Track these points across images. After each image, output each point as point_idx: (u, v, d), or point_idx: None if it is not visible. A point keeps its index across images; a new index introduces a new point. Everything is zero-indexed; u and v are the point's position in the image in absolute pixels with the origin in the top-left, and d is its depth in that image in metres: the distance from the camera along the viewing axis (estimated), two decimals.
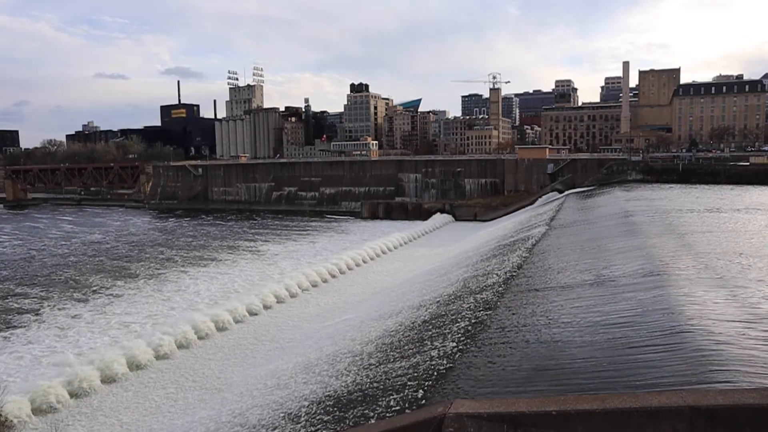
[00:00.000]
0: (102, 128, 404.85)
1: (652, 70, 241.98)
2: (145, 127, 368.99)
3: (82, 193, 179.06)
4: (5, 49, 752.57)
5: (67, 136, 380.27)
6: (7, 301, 45.95)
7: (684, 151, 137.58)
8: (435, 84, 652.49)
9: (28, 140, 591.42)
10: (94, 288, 49.37)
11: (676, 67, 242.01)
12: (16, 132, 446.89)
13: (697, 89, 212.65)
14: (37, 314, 40.99)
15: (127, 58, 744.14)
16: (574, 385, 12.57)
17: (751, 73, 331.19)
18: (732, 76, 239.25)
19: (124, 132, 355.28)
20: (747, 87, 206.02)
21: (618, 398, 8.68)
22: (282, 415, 18.85)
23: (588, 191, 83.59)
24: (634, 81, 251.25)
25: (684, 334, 14.07)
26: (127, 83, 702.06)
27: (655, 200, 56.97)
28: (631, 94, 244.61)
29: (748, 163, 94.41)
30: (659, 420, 7.90)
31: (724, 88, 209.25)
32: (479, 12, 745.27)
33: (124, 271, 57.41)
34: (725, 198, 58.59)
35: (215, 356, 30.86)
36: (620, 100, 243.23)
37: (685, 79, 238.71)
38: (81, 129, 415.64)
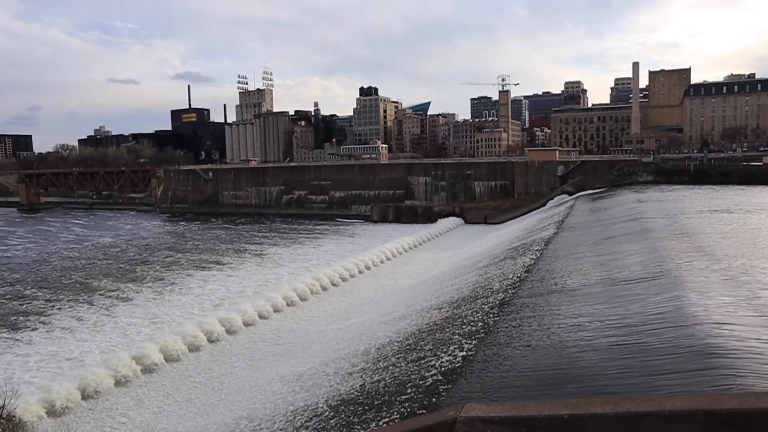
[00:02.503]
0: (113, 132, 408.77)
1: (662, 71, 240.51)
2: (156, 131, 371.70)
3: (94, 197, 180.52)
4: (19, 54, 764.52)
5: (80, 141, 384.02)
6: (18, 303, 46.41)
7: (695, 151, 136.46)
8: (444, 86, 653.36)
9: (41, 144, 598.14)
10: (102, 291, 49.57)
11: (687, 66, 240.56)
12: (30, 137, 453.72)
13: (709, 89, 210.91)
14: (45, 316, 41.37)
15: (138, 63, 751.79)
16: (583, 388, 12.47)
17: (764, 72, 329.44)
18: (744, 75, 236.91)
19: (136, 136, 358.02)
20: (759, 86, 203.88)
21: (630, 401, 8.57)
22: (292, 417, 18.86)
23: (599, 193, 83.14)
24: (644, 81, 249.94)
25: (695, 337, 13.92)
26: (138, 88, 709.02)
27: (666, 202, 56.55)
28: (642, 95, 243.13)
29: (761, 163, 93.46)
30: (673, 424, 7.79)
31: (736, 87, 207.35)
32: (487, 13, 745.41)
33: (133, 275, 57.69)
34: (738, 199, 58.03)
35: (226, 359, 30.92)
36: (630, 101, 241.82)
37: (696, 78, 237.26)
38: (93, 133, 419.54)
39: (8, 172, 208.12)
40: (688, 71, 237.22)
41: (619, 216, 48.41)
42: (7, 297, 48.79)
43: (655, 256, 26.27)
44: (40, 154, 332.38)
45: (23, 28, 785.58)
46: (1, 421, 15.70)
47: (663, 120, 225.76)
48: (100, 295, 48.06)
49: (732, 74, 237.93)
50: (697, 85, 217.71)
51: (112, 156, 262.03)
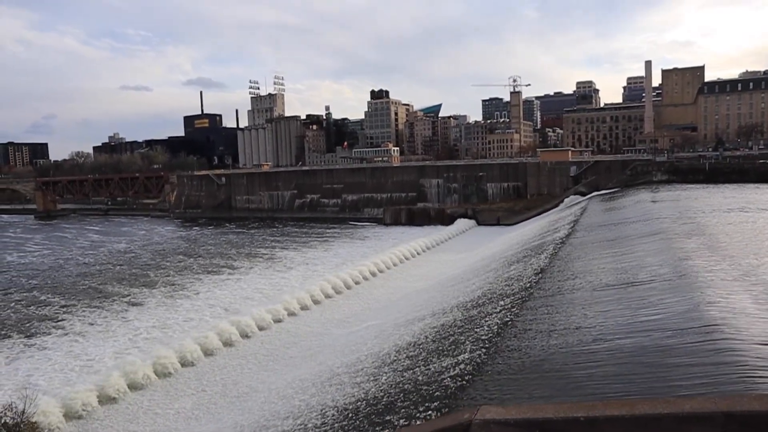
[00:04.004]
0: (127, 139, 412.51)
1: (675, 69, 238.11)
2: (169, 137, 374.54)
3: (109, 203, 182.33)
4: (35, 63, 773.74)
5: (94, 148, 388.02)
6: (33, 308, 46.97)
7: (710, 150, 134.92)
8: (455, 88, 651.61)
9: (57, 152, 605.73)
10: (115, 296, 49.80)
11: (700, 64, 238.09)
12: (46, 145, 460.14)
13: (723, 86, 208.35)
14: (59, 321, 41.88)
15: (151, 70, 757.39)
16: (600, 389, 12.37)
17: None
18: (759, 72, 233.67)
19: (149, 143, 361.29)
20: None
21: (648, 404, 8.50)
22: (307, 422, 18.88)
23: (612, 193, 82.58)
24: (657, 80, 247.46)
25: (714, 338, 13.76)
26: (150, 95, 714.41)
27: (681, 201, 56.01)
28: (655, 94, 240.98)
29: None
30: (691, 426, 7.71)
31: (751, 84, 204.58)
32: (496, 15, 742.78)
33: (146, 279, 58.07)
34: (753, 197, 57.33)
35: (240, 363, 31.05)
36: (643, 100, 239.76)
37: (709, 76, 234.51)
38: (107, 140, 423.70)
39: (25, 180, 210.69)
40: (701, 69, 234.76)
41: (634, 216, 48.02)
42: (23, 303, 49.42)
43: (669, 256, 26.02)
44: (56, 161, 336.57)
45: (39, 37, 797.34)
46: (22, 425, 15.88)
47: (677, 119, 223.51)
48: (113, 300, 48.42)
49: (747, 71, 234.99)
50: (711, 83, 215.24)
51: (127, 162, 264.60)
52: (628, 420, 7.99)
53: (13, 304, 49.33)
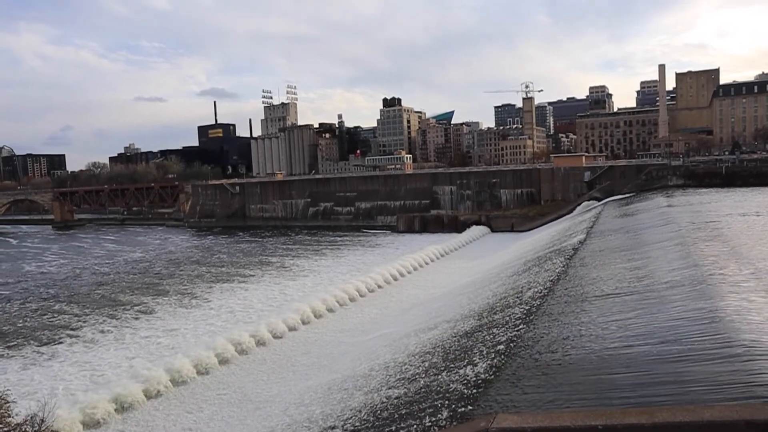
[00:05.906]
0: (142, 150, 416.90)
1: (689, 72, 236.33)
2: (184, 147, 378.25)
3: (125, 213, 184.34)
4: (53, 77, 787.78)
5: (110, 158, 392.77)
6: (48, 317, 47.49)
7: (726, 153, 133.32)
8: (467, 95, 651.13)
9: (74, 163, 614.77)
10: (130, 306, 49.94)
11: (715, 67, 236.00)
12: (63, 156, 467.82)
13: (738, 89, 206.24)
14: (73, 330, 42.31)
15: (165, 81, 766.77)
16: (617, 397, 12.23)
17: None
18: None
19: (164, 152, 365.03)
20: None
21: (667, 411, 8.39)
22: (324, 430, 18.86)
23: (627, 198, 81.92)
24: (671, 84, 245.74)
25: (732, 344, 13.57)
26: (165, 105, 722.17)
27: (698, 205, 55.41)
28: (669, 98, 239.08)
29: None
30: None
31: None
32: (508, 21, 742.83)
33: (160, 288, 58.39)
34: None
35: (256, 371, 31.09)
36: (657, 104, 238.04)
37: (725, 79, 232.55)
38: (123, 151, 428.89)
39: (43, 191, 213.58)
40: (716, 72, 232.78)
41: (649, 221, 47.58)
42: (39, 312, 49.97)
43: (686, 261, 25.73)
44: (73, 172, 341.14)
45: (56, 51, 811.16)
46: None
47: (692, 122, 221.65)
48: (128, 309, 48.64)
49: (763, 73, 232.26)
50: (727, 86, 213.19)
51: (142, 172, 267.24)
52: (648, 428, 7.90)
53: (30, 313, 49.92)
